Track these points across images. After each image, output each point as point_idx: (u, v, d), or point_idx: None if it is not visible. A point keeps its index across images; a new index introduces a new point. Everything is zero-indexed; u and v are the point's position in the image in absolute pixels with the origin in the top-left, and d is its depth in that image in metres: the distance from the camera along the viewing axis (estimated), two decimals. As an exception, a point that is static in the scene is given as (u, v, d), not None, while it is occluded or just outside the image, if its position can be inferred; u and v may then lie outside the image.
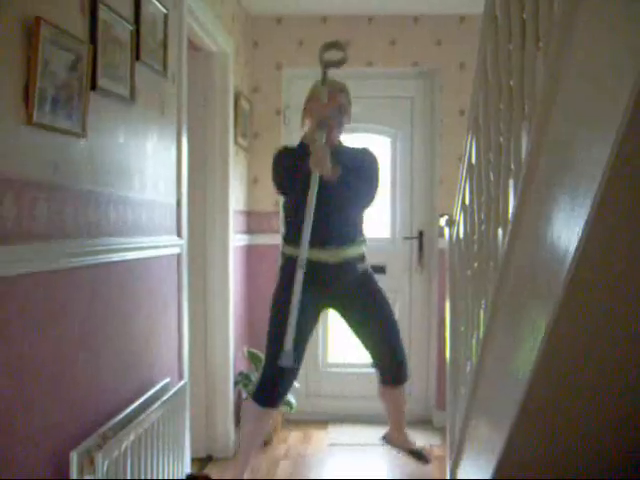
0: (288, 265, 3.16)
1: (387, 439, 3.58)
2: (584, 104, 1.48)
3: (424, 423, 4.77)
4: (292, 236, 3.14)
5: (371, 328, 3.28)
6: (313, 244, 3.02)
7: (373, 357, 3.33)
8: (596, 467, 2.27)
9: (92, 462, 2.04)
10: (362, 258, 3.25)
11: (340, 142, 3.29)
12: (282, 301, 3.10)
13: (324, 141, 3.04)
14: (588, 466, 2.28)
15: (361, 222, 3.29)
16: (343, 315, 3.33)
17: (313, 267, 3.06)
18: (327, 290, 3.20)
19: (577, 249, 1.49)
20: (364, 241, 3.27)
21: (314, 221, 2.99)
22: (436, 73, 4.85)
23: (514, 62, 2.10)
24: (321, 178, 3.00)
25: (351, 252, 3.18)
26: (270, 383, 3.16)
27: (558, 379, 1.94)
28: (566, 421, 2.12)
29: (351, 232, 3.20)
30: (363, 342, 3.33)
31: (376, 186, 3.23)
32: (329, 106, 3.15)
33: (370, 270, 3.29)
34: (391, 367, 3.32)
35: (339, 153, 3.16)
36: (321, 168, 2.98)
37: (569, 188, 1.56)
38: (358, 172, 3.16)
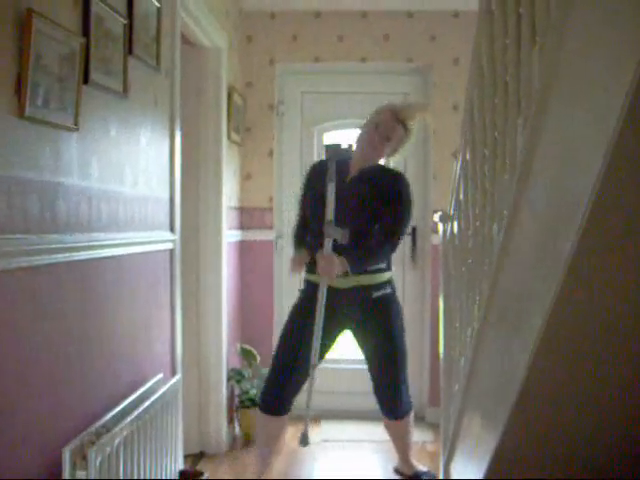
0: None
1: (397, 470, 3.71)
2: (581, 98, 1.47)
3: (417, 419, 4.76)
4: None
5: (372, 359, 3.35)
6: None
7: (373, 389, 3.39)
8: (589, 463, 2.27)
9: (85, 458, 2.03)
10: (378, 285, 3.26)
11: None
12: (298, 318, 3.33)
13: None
14: (581, 463, 2.27)
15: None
16: (356, 340, 3.42)
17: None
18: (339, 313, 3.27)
19: (574, 244, 1.48)
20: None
21: None
22: (430, 69, 4.83)
23: (510, 57, 2.09)
24: None
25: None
26: (274, 390, 3.28)
27: (553, 374, 1.93)
28: (560, 417, 2.12)
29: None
30: (368, 370, 3.40)
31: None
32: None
33: (389, 296, 3.29)
34: (386, 402, 3.39)
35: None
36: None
37: (566, 183, 1.56)
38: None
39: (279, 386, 3.27)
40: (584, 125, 1.46)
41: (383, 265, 3.24)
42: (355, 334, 3.37)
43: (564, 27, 1.55)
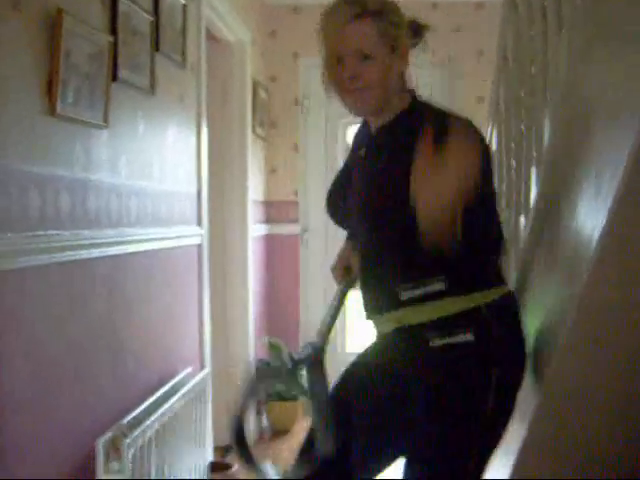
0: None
1: None
2: (609, 89, 1.46)
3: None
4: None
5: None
6: None
7: None
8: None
9: (118, 450, 2.06)
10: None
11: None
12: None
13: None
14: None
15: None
16: None
17: None
18: None
19: (600, 236, 1.47)
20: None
21: None
22: (454, 61, 4.82)
23: (536, 48, 2.08)
24: None
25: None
26: None
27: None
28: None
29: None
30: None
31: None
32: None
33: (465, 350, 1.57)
34: None
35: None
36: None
37: (592, 176, 1.55)
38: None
39: None
40: (613, 115, 1.45)
41: (440, 285, 1.58)
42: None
43: (592, 15, 1.54)
